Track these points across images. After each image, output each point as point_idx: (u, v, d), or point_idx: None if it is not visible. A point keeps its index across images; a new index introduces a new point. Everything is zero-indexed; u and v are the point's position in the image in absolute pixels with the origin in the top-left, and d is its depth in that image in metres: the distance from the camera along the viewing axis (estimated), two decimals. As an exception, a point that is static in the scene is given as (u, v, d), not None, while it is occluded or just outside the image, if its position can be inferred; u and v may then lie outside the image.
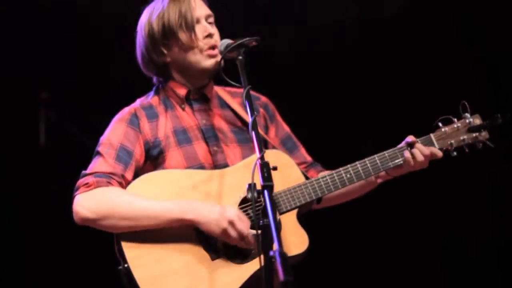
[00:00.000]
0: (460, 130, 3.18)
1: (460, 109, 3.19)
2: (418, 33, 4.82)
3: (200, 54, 3.15)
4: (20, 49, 4.58)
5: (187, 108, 3.23)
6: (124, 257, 2.90)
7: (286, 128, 3.40)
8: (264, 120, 3.34)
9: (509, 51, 4.68)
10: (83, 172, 3.02)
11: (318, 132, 4.71)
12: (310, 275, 4.31)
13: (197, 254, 2.93)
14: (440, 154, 3.15)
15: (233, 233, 2.88)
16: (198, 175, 3.04)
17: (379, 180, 3.26)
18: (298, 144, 3.38)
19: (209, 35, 3.15)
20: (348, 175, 3.10)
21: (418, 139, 3.15)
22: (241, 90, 2.85)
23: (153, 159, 3.12)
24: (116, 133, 3.09)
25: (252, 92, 2.81)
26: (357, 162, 3.12)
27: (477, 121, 3.20)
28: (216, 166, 3.12)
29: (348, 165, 3.12)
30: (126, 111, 3.17)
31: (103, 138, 3.10)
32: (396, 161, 3.13)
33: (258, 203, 2.65)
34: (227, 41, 3.02)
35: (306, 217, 3.11)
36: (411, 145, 3.14)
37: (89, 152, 3.13)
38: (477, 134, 3.18)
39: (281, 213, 3.01)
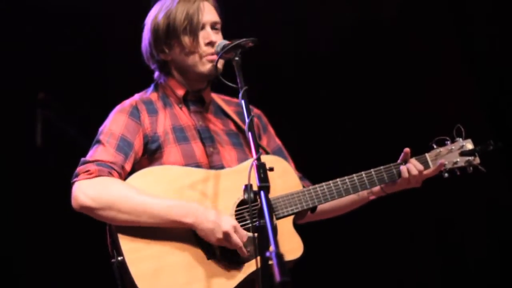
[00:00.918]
0: (453, 152, 3.30)
1: (454, 132, 3.29)
2: (417, 34, 4.82)
3: (199, 59, 3.17)
4: (17, 49, 4.57)
5: (184, 108, 3.25)
6: (119, 250, 2.88)
7: (278, 141, 3.44)
8: (258, 129, 3.38)
9: (509, 53, 4.69)
10: (83, 159, 3.00)
11: (314, 134, 4.72)
12: (307, 275, 4.31)
13: (194, 253, 2.93)
14: (434, 170, 3.26)
15: (228, 244, 2.90)
16: (197, 174, 3.05)
17: (372, 197, 3.35)
18: (288, 158, 3.41)
19: (210, 43, 3.15)
20: (344, 186, 3.15)
21: (413, 158, 3.25)
22: (235, 99, 2.86)
23: (151, 153, 3.12)
24: (117, 123, 3.09)
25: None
26: (353, 175, 3.18)
27: (469, 145, 3.31)
28: (212, 166, 3.13)
29: (345, 177, 3.17)
30: (127, 103, 3.18)
31: (104, 127, 3.10)
32: (392, 176, 3.22)
33: (256, 205, 2.66)
34: (223, 42, 3.04)
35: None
36: (406, 161, 3.24)
37: (86, 152, 3.12)
38: (469, 158, 3.28)
39: (277, 218, 3.03)
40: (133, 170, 3.06)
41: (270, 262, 2.32)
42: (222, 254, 2.94)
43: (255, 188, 2.55)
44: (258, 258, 2.57)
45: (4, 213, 4.59)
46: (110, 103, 3.27)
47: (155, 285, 2.85)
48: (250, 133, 2.67)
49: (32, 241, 4.65)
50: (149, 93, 3.26)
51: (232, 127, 3.31)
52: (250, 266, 2.92)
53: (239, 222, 2.97)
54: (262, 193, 2.49)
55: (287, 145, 3.46)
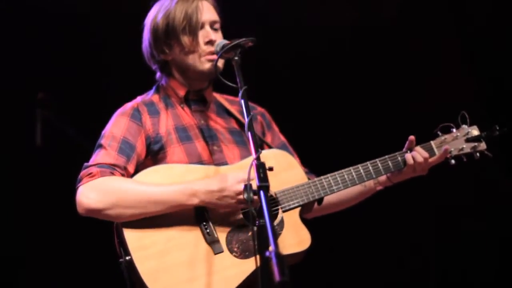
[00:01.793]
0: (459, 139, 3.28)
1: (459, 119, 3.28)
2: (417, 34, 4.82)
3: (198, 58, 3.18)
4: (16, 49, 4.57)
5: (186, 108, 3.26)
6: (126, 249, 2.89)
7: (282, 138, 3.45)
8: (261, 127, 3.39)
9: (509, 53, 4.68)
10: (85, 164, 3.02)
11: (314, 134, 4.72)
12: (306, 274, 4.31)
13: (201, 248, 2.93)
14: (440, 156, 3.23)
15: (241, 199, 2.89)
16: (200, 171, 3.06)
17: (379, 187, 3.33)
18: (293, 154, 3.40)
19: (210, 42, 3.17)
20: (350, 176, 3.15)
21: (418, 146, 3.23)
22: (238, 98, 2.87)
23: (154, 154, 3.13)
24: (118, 126, 3.10)
25: (250, 102, 2.84)
26: (359, 165, 3.18)
27: (475, 132, 3.30)
28: (216, 165, 3.14)
29: (350, 167, 3.17)
30: (128, 106, 3.19)
31: (105, 131, 3.11)
32: (397, 164, 3.21)
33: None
34: (223, 41, 3.05)
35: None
36: (411, 149, 3.22)
37: (86, 152, 3.13)
38: (475, 144, 3.27)
39: (284, 211, 3.04)
40: (138, 171, 3.06)
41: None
42: (229, 248, 2.94)
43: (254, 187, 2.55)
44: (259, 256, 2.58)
45: (3, 213, 4.59)
46: (109, 103, 3.28)
47: (163, 282, 2.87)
48: (249, 132, 2.67)
49: (31, 241, 4.65)
50: (151, 95, 3.28)
51: (235, 125, 3.32)
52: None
53: (243, 217, 2.99)
54: (261, 193, 2.48)
55: (291, 141, 3.46)
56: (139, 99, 3.25)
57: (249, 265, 2.92)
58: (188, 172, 3.04)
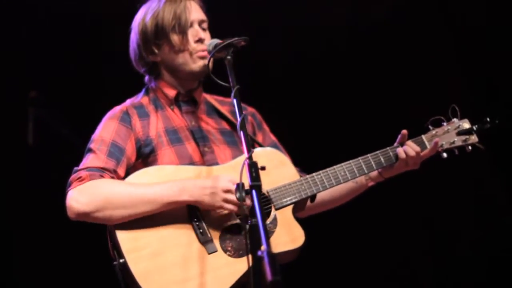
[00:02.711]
0: (450, 132, 3.28)
1: (449, 112, 3.28)
2: (410, 34, 4.83)
3: (189, 57, 3.19)
4: (9, 47, 4.56)
5: (176, 109, 3.26)
6: (119, 252, 2.89)
7: (273, 137, 3.46)
8: (252, 127, 3.39)
9: (502, 52, 4.70)
10: (75, 168, 3.02)
11: (309, 134, 4.73)
12: (299, 275, 4.33)
13: (194, 248, 2.94)
14: (431, 149, 3.23)
15: (231, 198, 2.89)
16: (191, 171, 3.06)
17: (371, 183, 3.33)
18: (284, 153, 3.40)
19: (200, 40, 3.18)
20: (342, 172, 3.15)
21: (410, 140, 3.24)
22: (229, 99, 2.88)
23: (145, 157, 3.13)
24: (107, 130, 3.10)
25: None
26: (350, 161, 3.18)
27: (466, 125, 3.30)
28: (207, 165, 3.13)
29: (342, 163, 3.17)
30: (117, 109, 3.19)
31: (95, 135, 3.11)
32: (389, 159, 3.21)
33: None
34: (215, 41, 3.04)
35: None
36: (402, 144, 3.23)
37: (78, 151, 3.13)
38: (466, 137, 3.27)
39: (276, 209, 3.04)
40: (129, 175, 3.06)
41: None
42: (222, 248, 2.95)
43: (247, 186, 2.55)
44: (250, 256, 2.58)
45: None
46: (103, 101, 3.28)
47: (157, 283, 2.87)
48: (242, 132, 2.67)
49: (23, 240, 4.64)
50: (140, 98, 3.28)
51: (226, 125, 3.33)
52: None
53: (236, 215, 2.99)
54: (253, 192, 2.49)
55: (283, 140, 3.46)
56: (128, 102, 3.24)
57: (243, 264, 2.91)
58: (178, 172, 3.04)
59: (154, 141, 3.14)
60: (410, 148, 3.20)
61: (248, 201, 2.78)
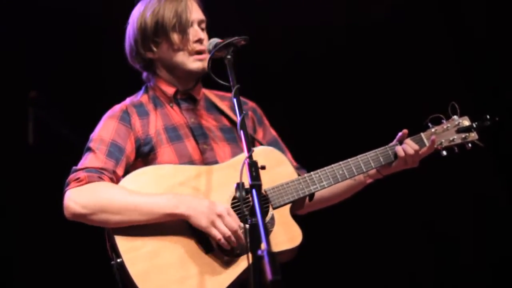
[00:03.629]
0: (450, 130, 3.26)
1: (449, 110, 3.26)
2: (409, 34, 4.83)
3: (187, 57, 3.19)
4: (9, 47, 4.56)
5: (175, 107, 3.26)
6: (117, 252, 2.90)
7: (274, 132, 3.44)
8: (253, 122, 3.38)
9: (502, 52, 4.70)
10: (74, 168, 3.02)
11: (308, 133, 4.73)
12: (299, 273, 4.32)
13: (191, 247, 2.94)
14: (428, 147, 3.21)
15: (222, 227, 2.88)
16: (189, 171, 3.05)
17: (369, 180, 3.31)
18: (284, 149, 3.41)
19: (199, 40, 3.18)
20: (340, 171, 3.14)
21: (409, 138, 3.22)
22: (229, 94, 2.88)
23: (144, 156, 3.13)
24: (107, 129, 3.10)
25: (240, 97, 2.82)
26: (349, 159, 3.17)
27: (466, 122, 3.28)
28: (206, 163, 3.14)
29: (340, 162, 3.16)
30: (117, 108, 3.18)
31: (94, 135, 3.11)
32: (388, 157, 3.20)
33: (248, 202, 2.65)
34: (215, 40, 3.04)
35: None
36: (401, 142, 3.21)
37: (78, 150, 3.12)
38: (466, 134, 3.25)
39: (274, 208, 3.03)
40: (128, 173, 3.05)
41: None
42: (220, 247, 2.94)
43: (247, 186, 2.54)
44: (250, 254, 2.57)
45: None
46: (102, 101, 3.28)
47: (154, 283, 2.87)
48: (242, 132, 2.67)
49: (23, 240, 4.64)
50: (140, 96, 3.27)
51: (226, 122, 3.32)
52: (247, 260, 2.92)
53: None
54: (253, 191, 2.48)
55: (282, 139, 3.46)
56: (128, 100, 3.24)
57: (241, 262, 2.92)
58: (177, 172, 3.04)
59: (154, 139, 3.13)
60: (409, 146, 3.19)
61: (240, 234, 2.85)
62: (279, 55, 4.89)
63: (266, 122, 3.44)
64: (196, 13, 3.23)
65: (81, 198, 2.92)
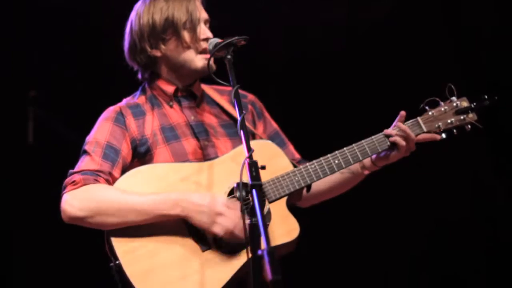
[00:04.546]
0: (448, 112, 3.19)
1: (446, 92, 3.19)
2: (409, 34, 4.83)
3: (195, 55, 3.17)
4: (8, 47, 4.56)
5: (175, 105, 3.24)
6: (114, 254, 2.89)
7: (275, 125, 3.41)
8: (252, 116, 3.36)
9: (502, 52, 4.71)
10: (70, 171, 3.02)
11: (307, 129, 4.73)
12: (298, 272, 4.33)
13: (188, 246, 2.93)
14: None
15: (224, 223, 2.88)
16: (185, 168, 3.05)
17: (366, 172, 3.25)
18: (286, 141, 3.39)
19: (207, 39, 3.16)
20: (336, 161, 3.10)
21: (405, 123, 3.16)
22: (228, 88, 2.88)
23: (141, 156, 3.12)
24: (102, 131, 3.09)
25: (239, 90, 2.82)
26: (344, 148, 3.12)
27: (464, 103, 3.19)
28: (207, 160, 3.12)
29: (336, 151, 3.12)
30: (111, 110, 3.17)
31: (89, 137, 3.10)
32: (384, 144, 3.14)
33: (247, 201, 2.67)
34: (215, 40, 3.03)
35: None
36: (397, 127, 3.14)
37: (77, 150, 3.12)
38: (464, 116, 3.18)
39: (270, 202, 3.02)
40: None
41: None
42: (217, 244, 2.94)
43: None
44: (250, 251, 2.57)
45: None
46: (102, 101, 3.27)
47: (152, 283, 2.87)
48: (242, 131, 2.66)
49: (22, 240, 4.64)
50: (137, 97, 3.25)
51: (226, 117, 3.30)
52: (245, 255, 2.91)
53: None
54: (254, 191, 2.48)
55: (283, 129, 3.44)
56: (123, 102, 3.23)
57: (239, 259, 2.92)
58: (171, 171, 3.03)
59: (150, 140, 3.12)
60: (405, 133, 3.10)
61: (240, 231, 2.83)
62: (279, 55, 4.90)
63: (267, 114, 3.41)
64: (203, 12, 3.23)
65: (77, 201, 2.91)
